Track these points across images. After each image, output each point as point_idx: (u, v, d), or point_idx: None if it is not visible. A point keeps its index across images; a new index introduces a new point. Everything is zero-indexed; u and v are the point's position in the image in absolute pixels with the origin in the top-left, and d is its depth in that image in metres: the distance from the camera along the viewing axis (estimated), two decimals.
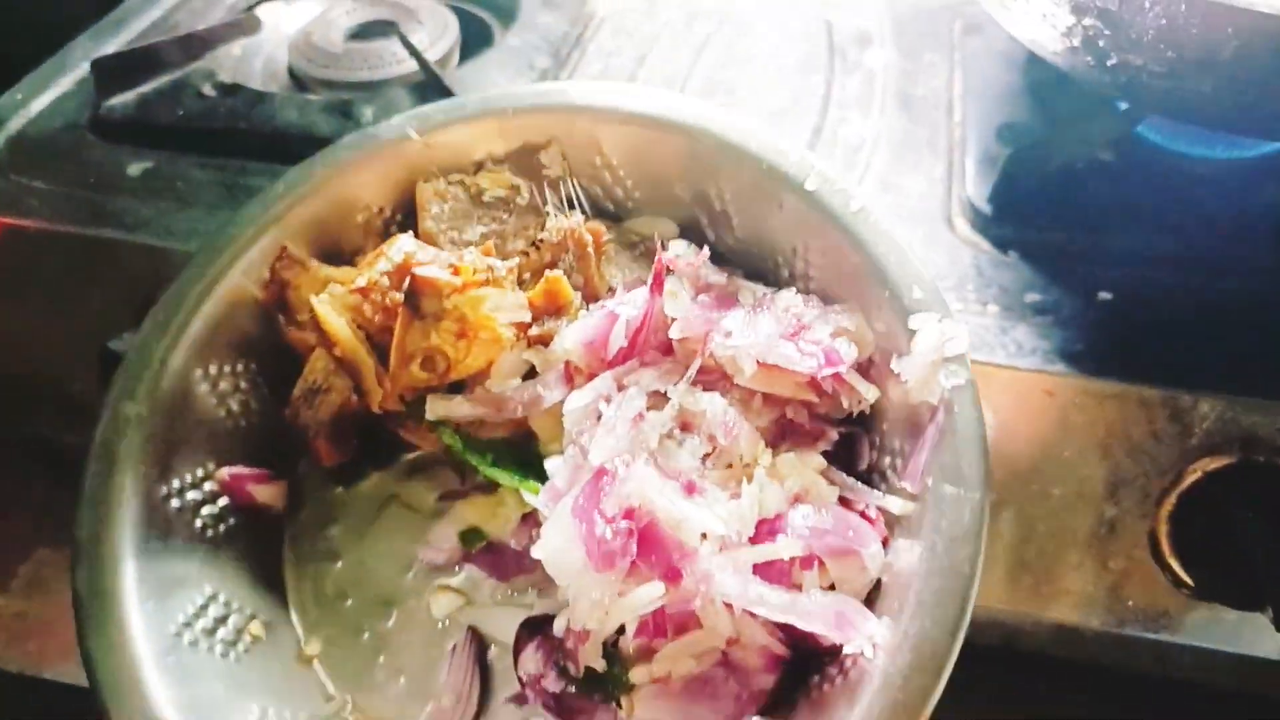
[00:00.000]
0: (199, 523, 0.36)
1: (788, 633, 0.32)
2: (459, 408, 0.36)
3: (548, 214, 0.40)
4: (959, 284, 0.56)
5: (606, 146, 0.40)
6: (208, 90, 0.69)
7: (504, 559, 0.37)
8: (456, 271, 0.35)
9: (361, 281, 0.37)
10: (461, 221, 0.38)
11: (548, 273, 0.37)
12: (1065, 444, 0.52)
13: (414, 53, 0.69)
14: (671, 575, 0.30)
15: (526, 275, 0.38)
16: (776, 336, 0.35)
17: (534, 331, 0.37)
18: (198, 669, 0.32)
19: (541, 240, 0.38)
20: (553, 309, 0.37)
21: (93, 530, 0.33)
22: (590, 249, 0.38)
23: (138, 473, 0.35)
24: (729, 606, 0.31)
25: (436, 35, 0.75)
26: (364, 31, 0.77)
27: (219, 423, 0.38)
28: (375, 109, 0.67)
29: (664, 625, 0.31)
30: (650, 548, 0.30)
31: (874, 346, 0.36)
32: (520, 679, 0.34)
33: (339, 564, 0.37)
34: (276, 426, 0.39)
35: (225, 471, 0.37)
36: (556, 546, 0.31)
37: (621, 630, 0.32)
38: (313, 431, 0.37)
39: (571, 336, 0.36)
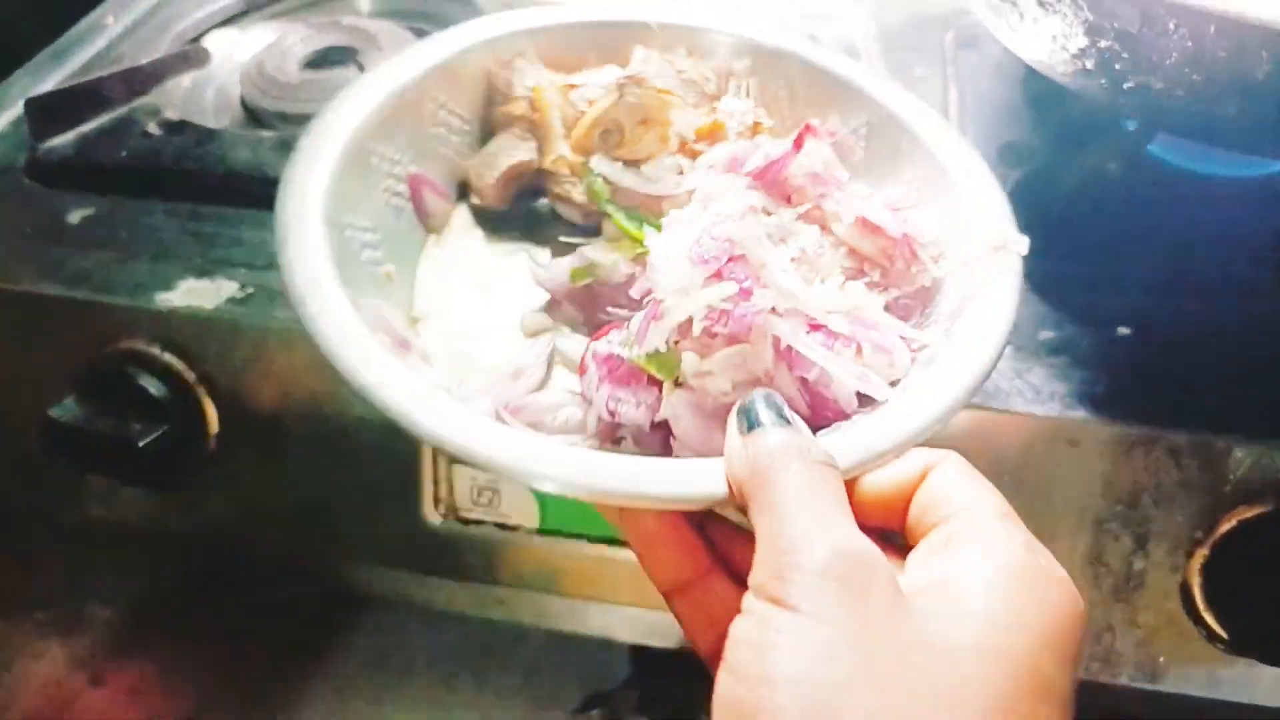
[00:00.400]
0: (382, 187, 0.46)
1: (811, 399, 0.38)
2: (618, 170, 0.47)
3: (716, 96, 0.51)
4: None
5: (791, 80, 0.51)
6: (152, 128, 0.64)
7: (601, 296, 0.44)
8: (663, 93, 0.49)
9: (575, 80, 0.49)
10: (657, 80, 0.49)
11: (716, 116, 0.48)
12: (1090, 494, 0.48)
13: None
14: (744, 292, 0.37)
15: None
16: (877, 203, 0.43)
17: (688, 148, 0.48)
18: (347, 253, 0.41)
19: (716, 108, 0.49)
20: (709, 140, 0.48)
21: (313, 140, 0.43)
22: (750, 129, 0.48)
23: (359, 126, 0.44)
24: (776, 346, 0.37)
25: None
26: (321, 59, 0.73)
27: (426, 139, 0.48)
28: None
29: (723, 330, 0.38)
30: (738, 268, 0.38)
31: (946, 244, 0.43)
32: (583, 363, 0.41)
33: (463, 274, 0.47)
34: (458, 170, 0.50)
35: (414, 168, 0.47)
36: (664, 245, 0.39)
37: (685, 335, 0.38)
38: (488, 176, 0.48)
39: (719, 150, 0.46)
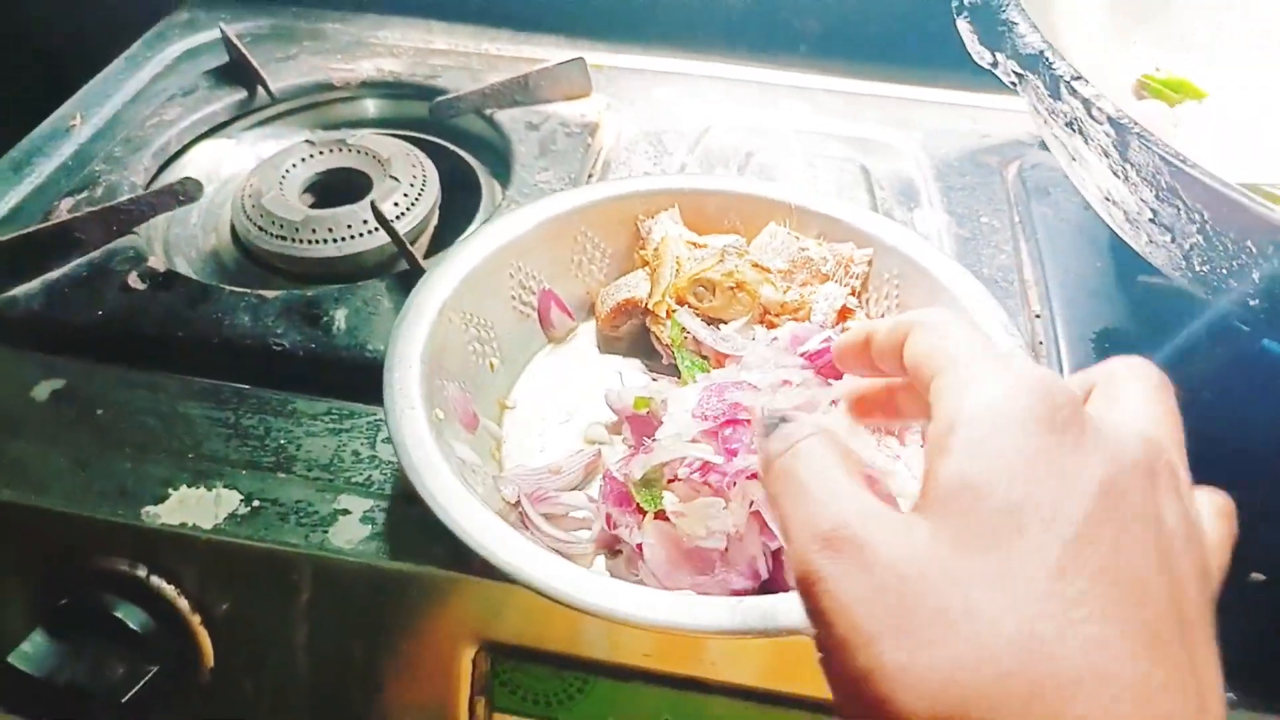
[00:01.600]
0: (512, 294, 0.53)
1: (773, 565, 0.42)
2: (697, 323, 0.52)
3: (828, 277, 0.54)
4: None
5: (900, 274, 0.53)
6: (134, 280, 0.55)
7: (651, 425, 0.47)
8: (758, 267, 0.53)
9: (699, 240, 0.54)
10: (775, 256, 0.54)
11: (805, 294, 0.53)
12: None
13: (390, 231, 0.56)
14: (729, 452, 0.42)
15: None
16: None
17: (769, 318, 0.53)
18: (453, 337, 0.49)
19: (816, 289, 0.53)
20: (792, 316, 0.52)
21: (462, 245, 0.52)
22: (837, 313, 0.52)
23: (510, 240, 0.52)
24: (750, 510, 0.41)
25: (415, 195, 0.63)
26: (325, 185, 0.65)
27: (563, 264, 0.55)
28: (348, 313, 0.54)
29: (705, 481, 0.42)
30: (733, 432, 0.43)
31: None
32: (606, 473, 0.45)
33: (562, 381, 0.53)
34: (586, 295, 0.57)
35: (547, 284, 0.54)
36: (682, 395, 0.46)
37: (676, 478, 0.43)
38: (607, 304, 0.54)
39: (788, 327, 0.50)
